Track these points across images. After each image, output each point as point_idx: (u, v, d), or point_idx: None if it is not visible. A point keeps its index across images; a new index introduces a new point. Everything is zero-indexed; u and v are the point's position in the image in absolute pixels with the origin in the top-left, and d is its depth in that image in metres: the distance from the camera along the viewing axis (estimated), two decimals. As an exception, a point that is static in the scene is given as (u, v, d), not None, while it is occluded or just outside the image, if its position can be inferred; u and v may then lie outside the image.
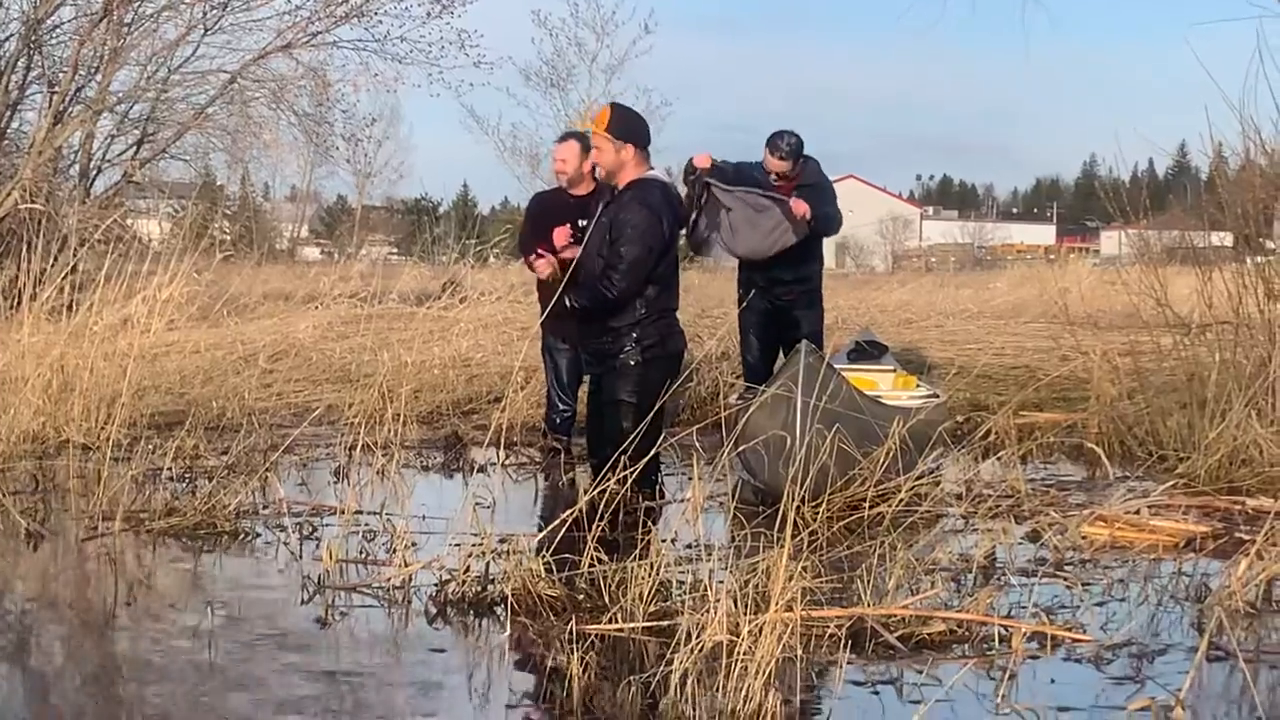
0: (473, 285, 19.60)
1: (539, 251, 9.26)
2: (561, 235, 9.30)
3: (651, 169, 8.55)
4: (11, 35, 22.32)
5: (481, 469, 10.02)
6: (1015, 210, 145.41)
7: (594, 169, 9.66)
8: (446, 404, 12.51)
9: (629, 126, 8.40)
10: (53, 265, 11.71)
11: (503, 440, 9.68)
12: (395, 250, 65.36)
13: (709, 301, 17.93)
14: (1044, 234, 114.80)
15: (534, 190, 32.99)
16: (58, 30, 22.76)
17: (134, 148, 23.73)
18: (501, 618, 5.98)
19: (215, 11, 23.02)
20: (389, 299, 18.85)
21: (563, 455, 10.42)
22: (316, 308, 18.67)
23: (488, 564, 6.39)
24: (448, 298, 18.96)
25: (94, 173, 23.49)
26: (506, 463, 10.27)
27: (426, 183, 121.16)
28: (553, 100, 40.27)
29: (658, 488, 8.46)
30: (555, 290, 8.45)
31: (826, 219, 10.78)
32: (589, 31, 38.89)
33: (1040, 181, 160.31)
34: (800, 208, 10.44)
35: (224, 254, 19.04)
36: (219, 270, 16.78)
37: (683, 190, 10.56)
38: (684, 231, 10.41)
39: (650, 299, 8.26)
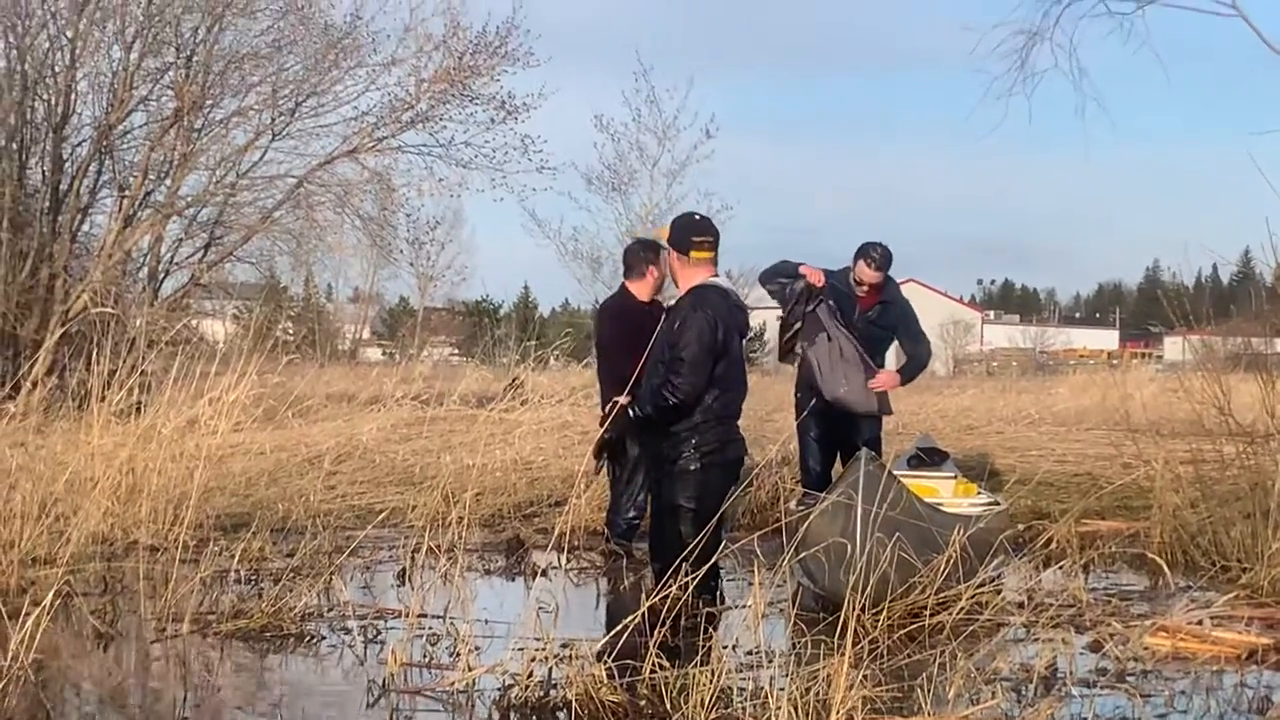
0: (533, 388, 19.70)
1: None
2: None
3: (715, 275, 8.64)
4: (84, 140, 22.75)
5: (543, 573, 10.07)
6: (1078, 315, 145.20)
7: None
8: (508, 507, 12.58)
9: (672, 233, 8.58)
10: (121, 367, 11.82)
11: (570, 544, 9.71)
12: (456, 351, 65.79)
13: (769, 405, 17.98)
14: (1107, 339, 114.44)
15: (594, 293, 33.25)
16: (129, 136, 23.22)
17: (202, 251, 24.03)
18: (564, 723, 6.02)
19: (283, 118, 23.45)
20: (451, 401, 18.96)
21: (624, 560, 10.47)
22: (379, 409, 18.80)
23: (550, 669, 6.44)
24: (509, 400, 19.08)
25: (162, 275, 23.80)
26: (568, 567, 10.31)
27: (488, 284, 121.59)
28: (614, 204, 40.51)
29: (718, 594, 8.50)
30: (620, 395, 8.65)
31: (917, 370, 11.19)
32: (651, 136, 39.18)
33: (1103, 286, 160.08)
34: (890, 382, 10.69)
35: (289, 356, 19.23)
36: (283, 372, 16.93)
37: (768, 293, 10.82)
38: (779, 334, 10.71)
39: (708, 405, 8.32)
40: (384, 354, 62.75)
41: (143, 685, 7.16)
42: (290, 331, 41.94)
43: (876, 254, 10.84)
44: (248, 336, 14.32)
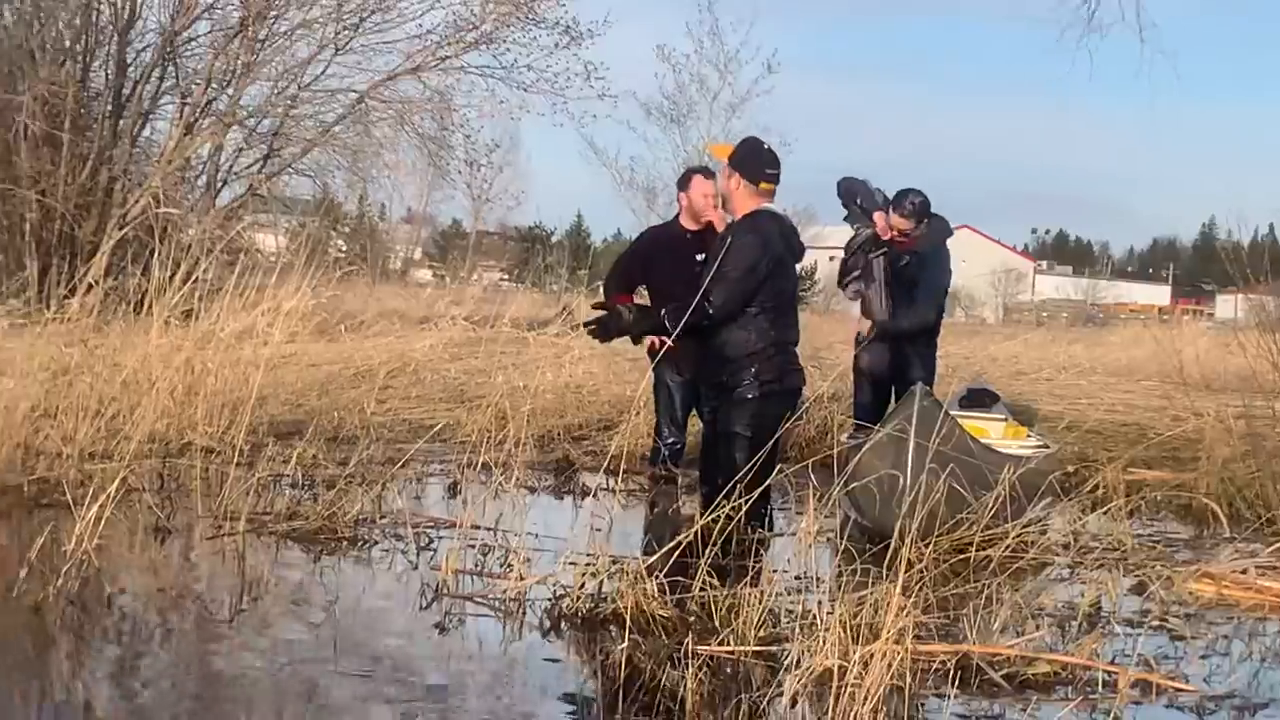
0: (585, 315, 19.76)
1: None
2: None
3: (768, 205, 8.61)
4: (149, 46, 22.87)
5: (593, 494, 10.12)
6: (1130, 269, 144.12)
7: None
8: (558, 428, 12.63)
9: (741, 158, 8.52)
10: (178, 273, 11.90)
11: (620, 467, 9.74)
12: (506, 276, 65.92)
13: (820, 342, 18.02)
14: (1158, 294, 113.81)
15: (648, 224, 33.38)
16: (193, 43, 23.33)
17: (260, 162, 24.16)
18: (614, 634, 6.09)
19: (347, 32, 23.51)
20: (502, 324, 19.07)
21: (672, 484, 10.53)
22: (431, 328, 18.92)
23: (601, 583, 6.52)
24: (560, 324, 19.17)
25: (220, 184, 23.96)
26: (617, 488, 10.37)
27: (542, 211, 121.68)
28: (672, 135, 40.49)
29: (768, 520, 8.54)
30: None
31: (894, 327, 11.17)
32: (712, 69, 39.17)
33: (1157, 241, 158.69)
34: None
35: (343, 271, 19.34)
36: (336, 287, 17.03)
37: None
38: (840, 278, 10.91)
39: (764, 330, 8.28)
40: (434, 275, 62.89)
41: (200, 578, 7.28)
42: (342, 249, 42.10)
43: (908, 204, 10.99)
44: (300, 251, 14.39)
